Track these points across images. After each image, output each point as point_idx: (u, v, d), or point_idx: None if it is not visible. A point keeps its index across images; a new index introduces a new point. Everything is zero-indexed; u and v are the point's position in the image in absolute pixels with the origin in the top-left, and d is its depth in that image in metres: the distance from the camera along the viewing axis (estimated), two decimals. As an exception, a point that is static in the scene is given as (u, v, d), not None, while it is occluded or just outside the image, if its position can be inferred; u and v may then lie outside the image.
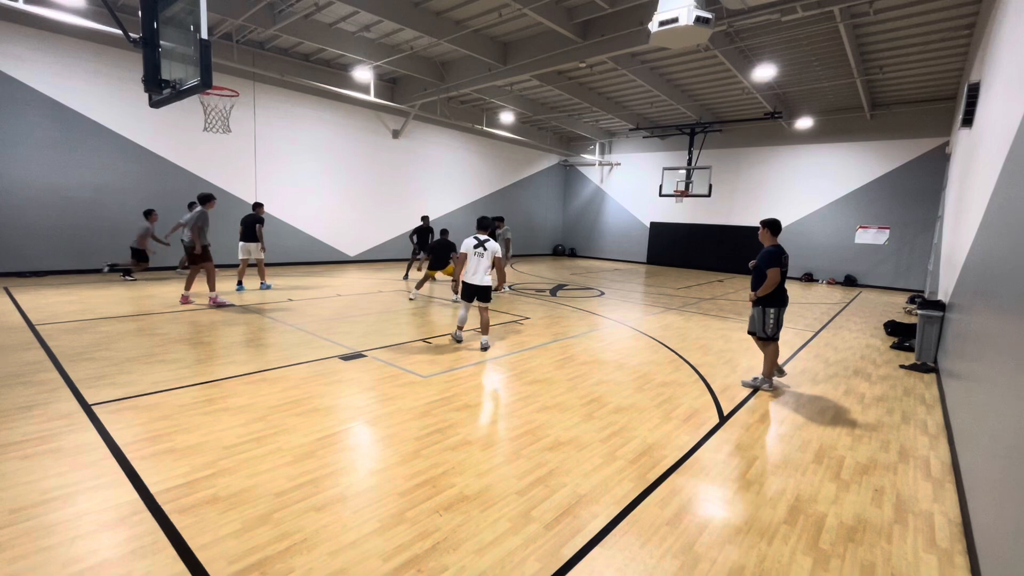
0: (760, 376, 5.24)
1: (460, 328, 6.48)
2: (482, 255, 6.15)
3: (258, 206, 9.90)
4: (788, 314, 10.05)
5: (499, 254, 6.25)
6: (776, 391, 5.20)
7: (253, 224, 9.51)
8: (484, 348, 6.16)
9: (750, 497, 3.09)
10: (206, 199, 8.11)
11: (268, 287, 9.97)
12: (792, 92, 14.44)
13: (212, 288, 8.20)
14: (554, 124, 19.37)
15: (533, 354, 6.14)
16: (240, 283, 9.59)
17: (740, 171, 18.41)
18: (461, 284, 6.34)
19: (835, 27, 9.36)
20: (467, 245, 6.24)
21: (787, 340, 7.60)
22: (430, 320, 7.95)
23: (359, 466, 3.26)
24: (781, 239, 17.09)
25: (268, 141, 13.36)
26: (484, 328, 6.26)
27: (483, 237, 6.25)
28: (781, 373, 5.48)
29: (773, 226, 5.09)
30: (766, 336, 5.11)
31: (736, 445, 3.84)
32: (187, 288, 8.19)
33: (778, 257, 4.95)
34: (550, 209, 23.70)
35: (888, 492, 3.25)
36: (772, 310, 5.04)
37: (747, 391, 5.13)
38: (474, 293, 6.20)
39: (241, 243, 9.60)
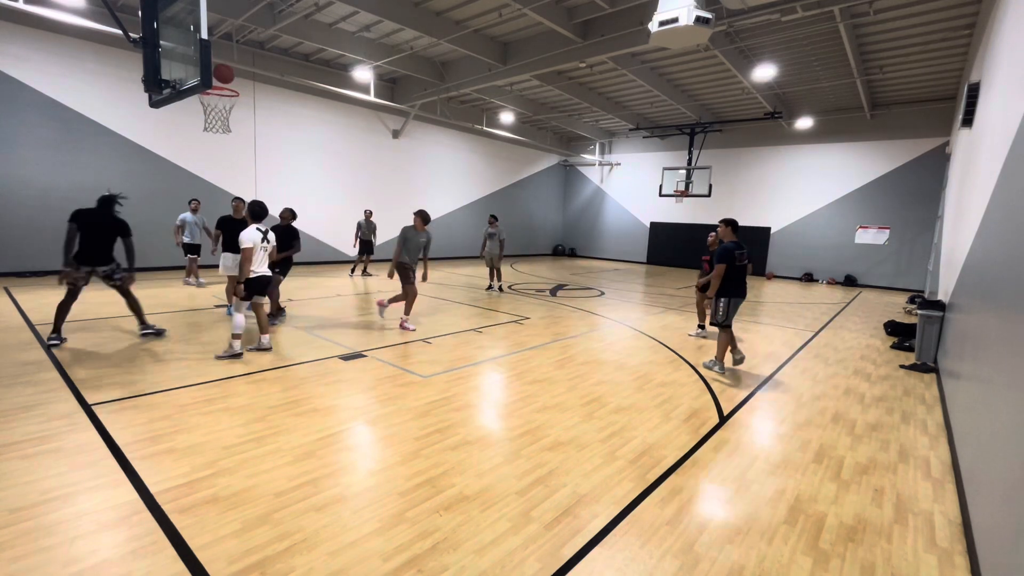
0: (712, 359, 5.83)
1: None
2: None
3: (234, 200, 7.70)
4: (788, 314, 10.05)
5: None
6: (729, 375, 5.65)
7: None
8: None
9: (750, 497, 3.09)
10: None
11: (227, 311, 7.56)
12: (792, 92, 14.44)
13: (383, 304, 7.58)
14: (554, 124, 19.36)
15: (533, 354, 6.15)
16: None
17: (740, 171, 18.40)
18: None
19: (835, 27, 9.36)
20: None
21: (787, 340, 7.61)
22: (430, 320, 7.94)
23: (359, 466, 3.26)
24: (784, 239, 17.48)
25: (268, 141, 13.36)
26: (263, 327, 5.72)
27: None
28: (738, 361, 5.76)
29: (734, 224, 5.78)
30: (715, 322, 5.72)
31: (736, 445, 3.84)
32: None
33: (728, 253, 5.50)
34: (550, 209, 23.69)
35: (888, 492, 3.25)
36: (722, 300, 5.62)
37: (747, 392, 5.14)
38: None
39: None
